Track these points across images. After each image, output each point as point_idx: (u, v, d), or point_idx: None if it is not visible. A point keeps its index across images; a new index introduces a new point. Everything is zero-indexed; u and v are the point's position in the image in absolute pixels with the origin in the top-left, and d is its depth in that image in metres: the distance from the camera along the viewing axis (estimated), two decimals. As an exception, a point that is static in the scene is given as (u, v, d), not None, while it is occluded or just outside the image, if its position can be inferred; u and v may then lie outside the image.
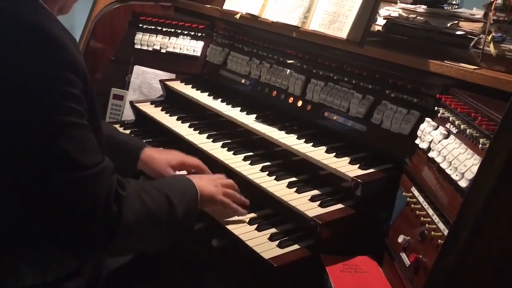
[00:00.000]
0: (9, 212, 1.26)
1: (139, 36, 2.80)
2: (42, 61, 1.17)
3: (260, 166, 1.94)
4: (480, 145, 1.37)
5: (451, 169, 1.44)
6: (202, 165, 1.95)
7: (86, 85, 1.26)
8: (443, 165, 1.48)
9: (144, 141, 2.28)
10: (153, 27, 2.81)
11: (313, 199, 1.72)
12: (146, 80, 2.72)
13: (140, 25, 2.82)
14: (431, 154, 1.57)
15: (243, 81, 2.45)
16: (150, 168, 1.91)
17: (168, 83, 2.60)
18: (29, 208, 1.24)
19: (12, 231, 1.29)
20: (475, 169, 1.34)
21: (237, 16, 2.34)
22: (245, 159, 1.99)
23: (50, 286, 1.40)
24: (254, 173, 1.89)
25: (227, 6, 2.44)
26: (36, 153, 1.19)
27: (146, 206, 1.39)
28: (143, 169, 1.93)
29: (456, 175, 1.40)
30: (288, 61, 2.25)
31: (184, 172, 1.92)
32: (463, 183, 1.36)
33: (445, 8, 1.94)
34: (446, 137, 1.56)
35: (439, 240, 1.36)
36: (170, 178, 1.78)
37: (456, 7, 1.99)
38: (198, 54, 2.71)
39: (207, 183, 1.70)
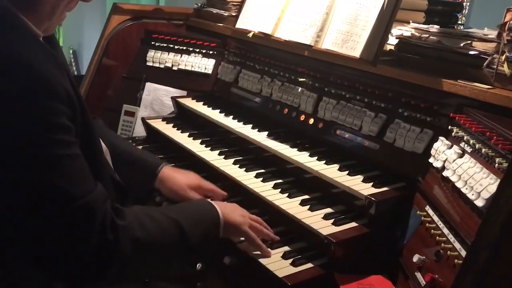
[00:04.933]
0: (6, 234, 1.22)
1: (151, 53, 2.83)
2: (21, 93, 1.12)
3: (272, 183, 1.94)
4: (496, 165, 1.37)
5: (466, 188, 1.43)
6: (218, 190, 1.92)
7: (75, 110, 1.22)
8: (459, 184, 1.47)
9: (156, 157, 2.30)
10: (165, 44, 2.84)
11: (326, 217, 1.72)
12: (157, 97, 2.74)
13: (153, 42, 2.85)
14: (445, 173, 1.57)
15: (254, 98, 2.46)
16: (166, 188, 1.89)
17: (179, 100, 2.62)
18: (23, 239, 1.21)
19: (12, 251, 1.26)
20: (491, 188, 1.34)
21: (250, 34, 2.36)
22: (257, 176, 1.99)
23: None
24: (267, 190, 1.89)
25: (239, 25, 2.47)
26: (23, 186, 1.15)
27: (149, 234, 1.34)
28: (160, 187, 1.91)
29: (472, 194, 1.39)
30: (300, 79, 2.27)
31: (198, 196, 1.89)
32: (479, 203, 1.35)
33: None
34: (461, 156, 1.55)
35: (456, 260, 1.35)
36: (189, 203, 1.74)
37: (462, 27, 2.01)
38: (210, 71, 2.73)
39: (233, 211, 1.64)
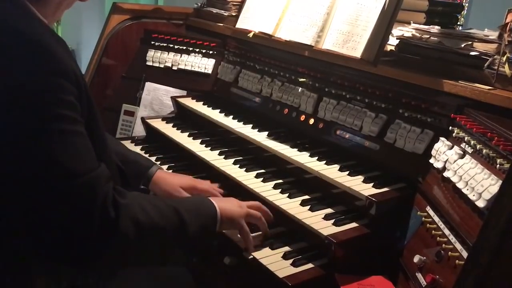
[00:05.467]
0: (12, 219, 1.23)
1: (151, 53, 2.83)
2: (31, 68, 1.16)
3: (272, 183, 1.93)
4: (498, 165, 1.37)
5: (467, 189, 1.43)
6: (213, 191, 1.93)
7: (81, 91, 1.24)
8: (459, 185, 1.47)
9: (155, 157, 2.30)
10: (165, 44, 2.83)
11: (326, 217, 1.72)
12: (157, 96, 2.74)
13: (152, 42, 2.85)
14: (446, 174, 1.57)
15: (254, 98, 2.46)
16: (161, 189, 1.90)
17: (179, 99, 2.62)
18: (25, 215, 1.21)
19: (18, 238, 1.26)
20: (492, 189, 1.34)
21: (250, 34, 2.36)
22: (257, 176, 1.99)
23: None
24: (267, 190, 1.89)
25: (240, 25, 2.46)
26: (28, 160, 1.17)
27: (149, 217, 1.34)
28: (154, 190, 1.92)
29: (473, 195, 1.39)
30: (300, 79, 2.27)
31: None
32: (480, 203, 1.35)
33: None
34: (462, 156, 1.55)
35: (457, 261, 1.35)
36: (187, 197, 1.75)
37: (460, 27, 2.01)
38: (210, 71, 2.73)
39: (231, 203, 1.65)
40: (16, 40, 1.17)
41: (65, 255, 1.26)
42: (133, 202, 1.32)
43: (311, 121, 2.17)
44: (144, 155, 2.28)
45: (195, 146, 2.25)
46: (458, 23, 2.52)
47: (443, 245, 1.43)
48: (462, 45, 1.80)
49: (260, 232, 1.73)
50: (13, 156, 1.16)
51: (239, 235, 1.68)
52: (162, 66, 2.81)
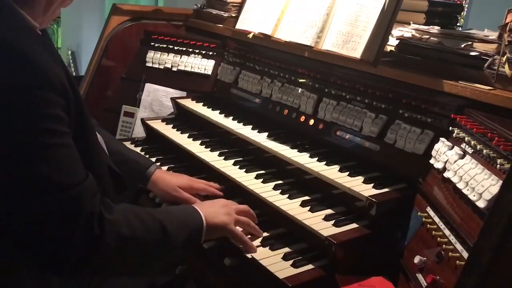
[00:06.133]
0: None
1: (150, 54, 2.82)
2: (16, 82, 1.14)
3: (272, 184, 1.93)
4: (498, 166, 1.37)
5: (468, 190, 1.43)
6: (209, 189, 1.95)
7: (69, 100, 1.23)
8: (460, 185, 1.47)
9: (155, 158, 2.30)
10: (164, 45, 2.83)
11: (327, 218, 1.71)
12: (157, 97, 2.74)
13: (152, 43, 2.85)
14: (446, 174, 1.56)
15: (254, 99, 2.46)
16: (158, 189, 1.93)
17: (179, 100, 2.62)
18: (9, 225, 1.21)
19: (5, 244, 1.26)
20: (493, 189, 1.34)
21: (250, 35, 2.36)
22: (257, 177, 1.99)
23: None
24: (267, 191, 1.89)
25: (239, 25, 2.46)
26: (12, 174, 1.16)
27: (134, 232, 1.34)
28: (152, 189, 1.95)
29: (474, 196, 1.39)
30: (300, 80, 2.26)
31: (190, 196, 1.92)
32: (481, 204, 1.35)
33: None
34: (462, 157, 1.55)
35: (457, 261, 1.35)
36: (175, 207, 1.76)
37: (460, 28, 2.01)
38: (209, 72, 2.73)
39: (218, 211, 1.65)
40: (1, 53, 1.14)
41: (48, 266, 1.26)
42: (118, 218, 1.32)
43: (311, 122, 2.17)
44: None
45: (195, 147, 2.25)
46: (458, 24, 2.51)
47: (444, 245, 1.42)
48: (462, 46, 1.80)
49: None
50: None
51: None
52: (162, 67, 2.81)
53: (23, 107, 1.14)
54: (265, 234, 1.76)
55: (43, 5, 1.29)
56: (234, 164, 2.09)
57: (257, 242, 1.70)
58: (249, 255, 1.65)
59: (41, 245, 1.22)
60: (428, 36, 1.93)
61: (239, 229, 1.68)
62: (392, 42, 2.05)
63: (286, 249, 1.69)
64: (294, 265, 1.60)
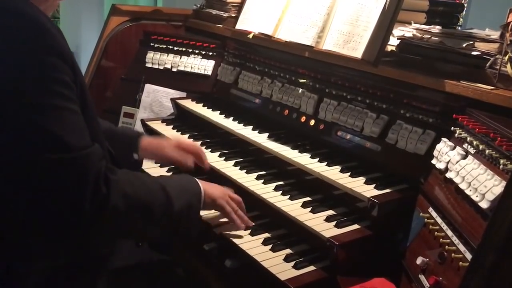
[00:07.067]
0: (6, 193, 1.25)
1: (150, 55, 2.82)
2: (29, 45, 1.20)
3: (273, 185, 1.92)
4: (501, 166, 1.36)
5: (470, 190, 1.42)
6: (201, 151, 2.02)
7: (75, 74, 1.29)
8: (462, 186, 1.46)
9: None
10: (164, 46, 2.82)
11: (328, 219, 1.71)
12: (157, 98, 2.73)
13: (152, 44, 2.84)
14: (449, 175, 1.55)
15: (254, 100, 2.45)
16: (149, 152, 1.98)
17: (179, 101, 2.61)
18: (19, 189, 1.24)
19: (13, 212, 1.28)
20: (496, 190, 1.33)
21: (250, 35, 2.35)
22: (258, 178, 1.98)
23: (62, 271, 1.41)
24: (268, 192, 1.88)
25: (239, 26, 2.45)
26: (24, 134, 1.20)
27: (138, 192, 1.39)
28: (143, 154, 1.99)
29: (477, 196, 1.38)
30: (301, 80, 2.25)
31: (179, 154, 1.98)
32: (484, 204, 1.34)
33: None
34: (464, 157, 1.54)
35: (460, 262, 1.34)
36: (172, 175, 1.83)
37: (460, 27, 2.00)
38: (209, 73, 2.72)
39: (213, 186, 1.70)
40: (16, 19, 1.21)
41: (57, 228, 1.28)
42: (122, 178, 1.37)
43: (312, 122, 2.16)
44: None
45: (195, 148, 2.24)
46: (458, 23, 2.51)
47: (446, 246, 1.41)
48: (464, 45, 1.79)
49: None
50: (11, 131, 1.20)
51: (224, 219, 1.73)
52: (161, 67, 2.80)
53: (37, 69, 1.20)
54: (266, 235, 1.76)
55: None
56: (235, 165, 2.08)
57: (259, 244, 1.70)
58: (251, 253, 1.64)
59: (52, 206, 1.24)
60: (429, 36, 1.92)
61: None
62: (393, 42, 2.04)
63: (288, 251, 1.68)
64: (295, 267, 1.59)
